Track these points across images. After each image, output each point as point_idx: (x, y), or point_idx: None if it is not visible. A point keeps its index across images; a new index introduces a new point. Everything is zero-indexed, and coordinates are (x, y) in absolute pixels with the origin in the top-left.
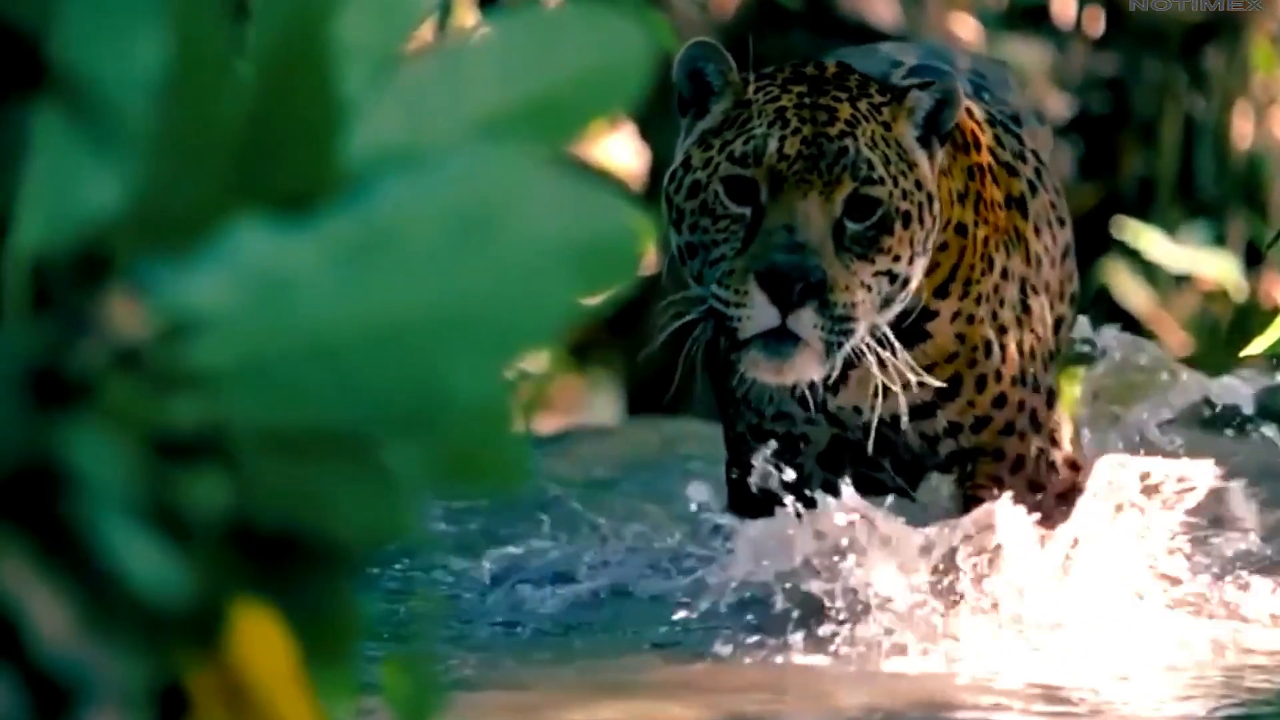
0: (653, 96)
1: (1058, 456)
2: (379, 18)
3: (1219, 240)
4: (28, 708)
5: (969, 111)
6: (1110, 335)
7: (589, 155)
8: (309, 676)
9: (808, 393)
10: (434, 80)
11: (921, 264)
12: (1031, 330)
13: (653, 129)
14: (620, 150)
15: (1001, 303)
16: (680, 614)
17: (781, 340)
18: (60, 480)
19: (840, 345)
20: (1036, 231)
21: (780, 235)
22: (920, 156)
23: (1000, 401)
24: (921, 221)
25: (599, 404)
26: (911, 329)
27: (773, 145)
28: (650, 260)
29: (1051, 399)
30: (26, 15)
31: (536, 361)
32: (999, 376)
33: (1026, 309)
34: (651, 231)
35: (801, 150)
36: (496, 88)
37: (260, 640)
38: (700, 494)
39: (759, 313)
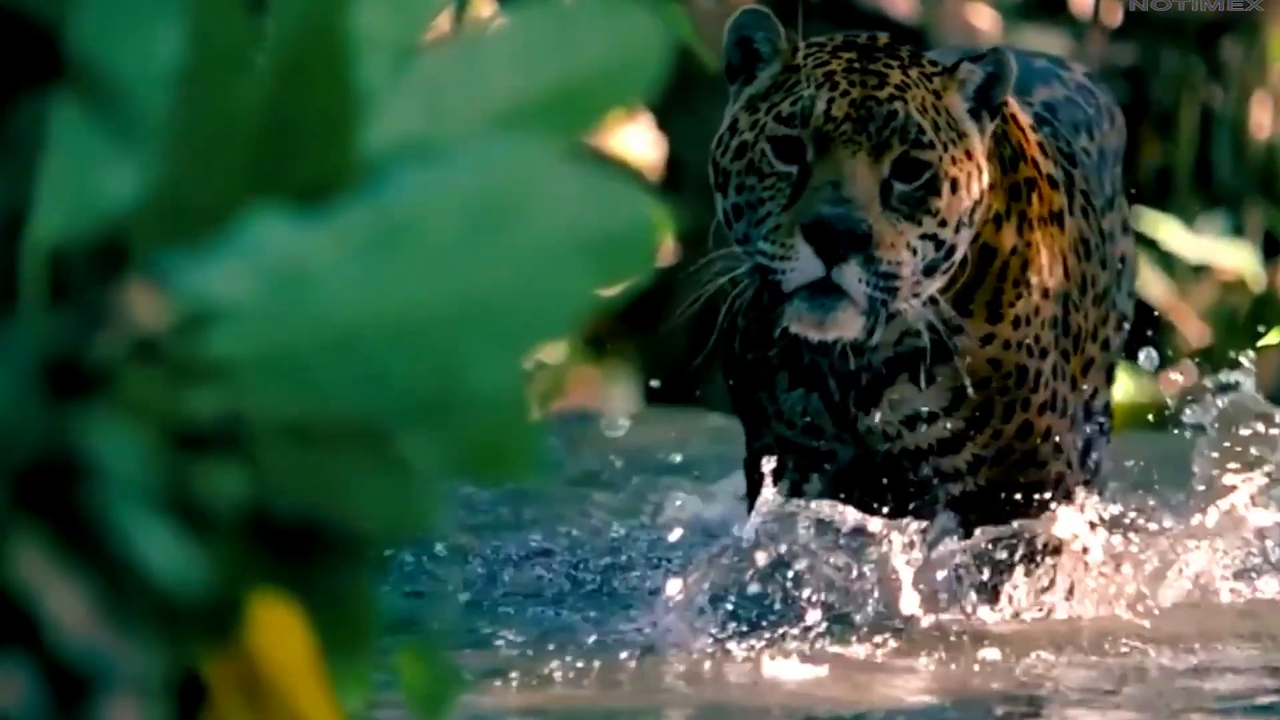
0: (670, 87)
1: (1071, 482)
2: (396, 9)
3: (1237, 230)
4: (47, 698)
5: (1014, 119)
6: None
7: (606, 146)
8: (326, 668)
9: (839, 406)
10: (451, 72)
11: (967, 235)
12: (1066, 350)
13: (670, 120)
14: (637, 141)
15: (1043, 324)
16: (676, 607)
17: (826, 293)
18: (79, 471)
19: (884, 304)
20: (1077, 254)
21: (827, 190)
22: (970, 127)
23: (1025, 431)
24: (969, 190)
25: (615, 395)
26: (939, 345)
27: (820, 106)
28: (667, 251)
29: (1074, 422)
30: (45, 7)
31: (554, 352)
32: (1026, 404)
33: (1067, 327)
34: (669, 223)
35: (850, 112)
36: (514, 79)
37: (278, 631)
38: (681, 499)
39: (804, 264)
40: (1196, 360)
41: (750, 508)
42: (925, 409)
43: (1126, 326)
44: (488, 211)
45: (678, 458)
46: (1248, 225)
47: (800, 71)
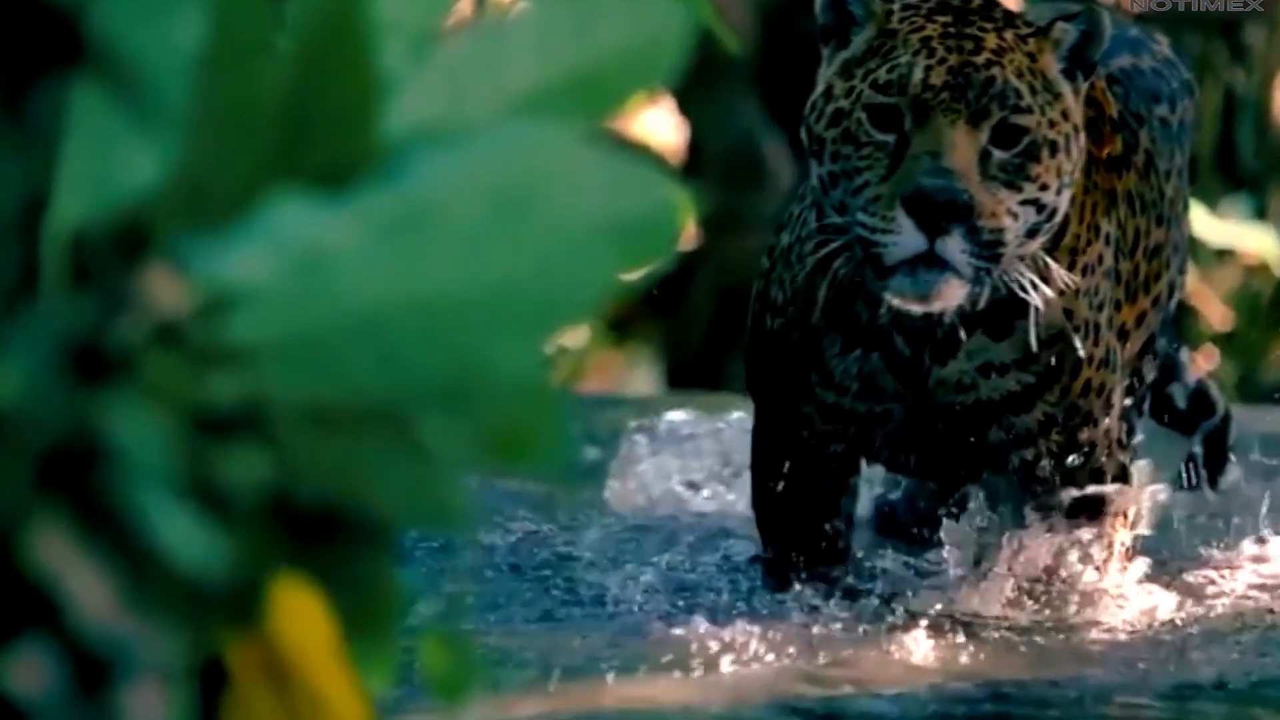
0: (691, 70)
1: (1116, 433)
2: None
3: (1260, 214)
4: (69, 682)
5: None
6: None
7: (627, 130)
8: (349, 652)
9: (910, 361)
10: (473, 56)
11: (1067, 195)
12: (1117, 300)
13: (691, 103)
14: (659, 125)
15: (1103, 274)
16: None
17: (929, 267)
18: (101, 455)
19: (987, 272)
20: (1131, 206)
21: (926, 161)
22: (1065, 88)
23: (1085, 389)
24: (1068, 152)
25: (637, 378)
26: (1016, 301)
27: (918, 74)
28: (689, 235)
29: (1117, 372)
30: None
31: (576, 336)
32: (1090, 359)
33: (1117, 275)
34: (690, 206)
35: (948, 80)
36: (535, 63)
37: (300, 615)
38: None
39: (906, 238)
40: (1219, 344)
41: (758, 486)
42: (999, 360)
43: (1175, 299)
44: (509, 196)
45: (695, 443)
46: (1271, 208)
47: (896, 36)
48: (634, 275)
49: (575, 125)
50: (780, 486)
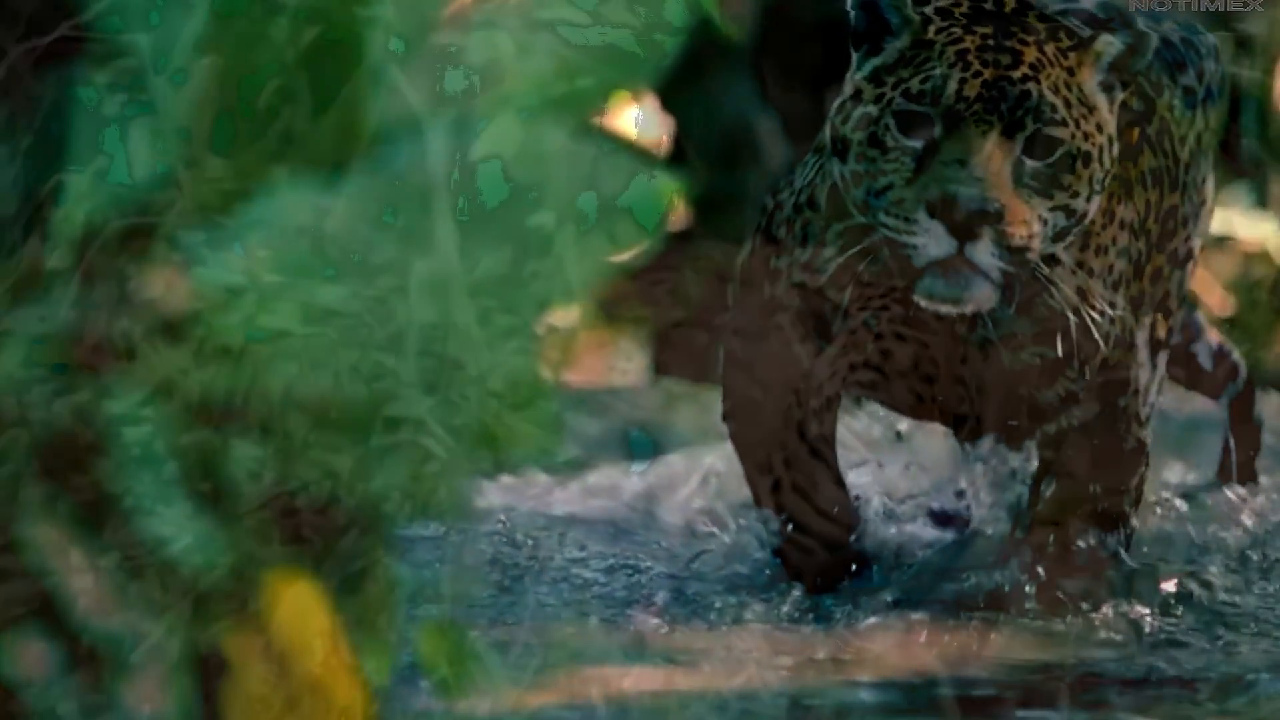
0: (683, 54)
1: (1134, 410)
2: None
3: (1261, 202)
4: (70, 671)
5: None
6: None
7: (617, 115)
8: (348, 642)
9: (946, 322)
10: (467, 48)
11: (1098, 201)
12: (1128, 280)
13: (683, 86)
14: (645, 120)
15: (1118, 254)
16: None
17: (959, 270)
18: (101, 448)
19: (1016, 276)
20: (1143, 183)
21: (956, 168)
22: (1101, 100)
23: (1102, 367)
24: (1101, 162)
25: (626, 363)
26: (1032, 280)
27: (952, 87)
28: (677, 219)
29: (1133, 350)
30: None
31: (565, 320)
32: (1107, 339)
33: (1132, 258)
34: (679, 189)
35: (982, 93)
36: (529, 53)
37: (299, 606)
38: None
39: (936, 241)
40: (1219, 330)
41: (739, 426)
42: (1020, 332)
43: (1192, 266)
44: (500, 183)
45: (687, 428)
46: (1272, 197)
47: (932, 48)
48: (623, 259)
49: (567, 115)
50: (759, 416)
